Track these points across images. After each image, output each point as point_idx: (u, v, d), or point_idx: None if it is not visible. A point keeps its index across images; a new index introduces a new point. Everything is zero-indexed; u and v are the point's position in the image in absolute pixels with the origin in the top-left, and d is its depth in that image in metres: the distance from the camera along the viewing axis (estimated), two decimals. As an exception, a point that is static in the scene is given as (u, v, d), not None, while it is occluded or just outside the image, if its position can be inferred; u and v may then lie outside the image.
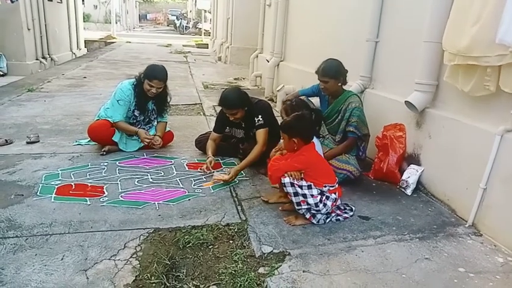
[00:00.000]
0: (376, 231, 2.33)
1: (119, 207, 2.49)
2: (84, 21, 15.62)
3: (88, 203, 2.51)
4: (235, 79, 8.52)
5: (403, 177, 2.88)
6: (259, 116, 3.10)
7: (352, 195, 2.77)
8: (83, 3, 16.17)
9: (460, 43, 2.19)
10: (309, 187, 2.26)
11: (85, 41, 13.30)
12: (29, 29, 8.26)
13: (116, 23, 24.85)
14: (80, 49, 12.38)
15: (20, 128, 4.10)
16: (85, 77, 7.74)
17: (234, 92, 3.15)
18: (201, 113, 5.34)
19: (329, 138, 3.13)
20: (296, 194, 2.25)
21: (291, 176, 2.26)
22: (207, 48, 17.48)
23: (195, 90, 7.03)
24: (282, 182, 2.26)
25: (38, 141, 3.67)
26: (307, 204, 2.25)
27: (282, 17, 6.31)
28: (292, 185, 2.24)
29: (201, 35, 23.42)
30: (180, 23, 31.71)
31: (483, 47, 2.06)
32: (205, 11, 25.06)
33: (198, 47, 17.93)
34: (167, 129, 3.78)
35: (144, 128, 3.64)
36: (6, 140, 3.58)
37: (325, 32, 4.71)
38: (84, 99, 5.64)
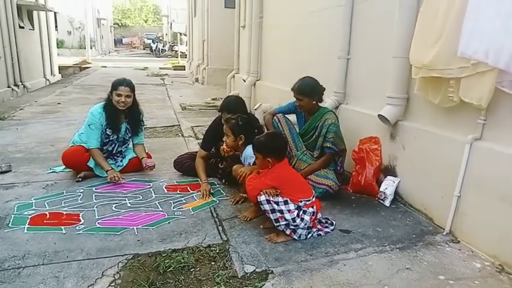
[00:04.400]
0: (357, 243, 2.34)
1: (96, 234, 2.41)
2: (58, 47, 15.47)
3: (64, 231, 2.43)
4: (213, 99, 8.55)
5: (381, 189, 2.93)
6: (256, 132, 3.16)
7: (332, 209, 2.80)
8: (56, 30, 16.07)
9: (424, 57, 2.29)
10: (286, 203, 2.27)
11: (59, 66, 13.13)
12: (0, 57, 8.10)
13: (91, 48, 24.71)
14: (54, 75, 12.20)
15: (-10, 157, 3.96)
16: (59, 103, 7.61)
17: (235, 99, 3.29)
18: (179, 134, 5.31)
19: (306, 154, 3.16)
20: (273, 210, 2.25)
21: (267, 193, 2.26)
22: (184, 70, 17.56)
23: (172, 112, 7.01)
24: (258, 200, 2.27)
25: (10, 171, 3.55)
26: (285, 219, 2.25)
27: (257, 37, 6.45)
28: (268, 202, 2.24)
29: (177, 57, 23.54)
30: (156, 46, 31.81)
31: (446, 60, 2.17)
32: (180, 33, 25.28)
33: (174, 69, 17.98)
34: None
35: (121, 150, 3.59)
36: (-25, 171, 3.45)
37: (299, 51, 4.83)
38: (58, 126, 5.53)
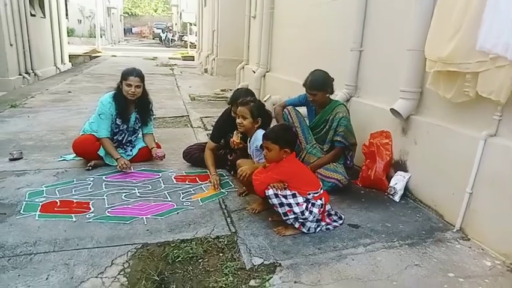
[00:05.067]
0: (366, 239, 2.33)
1: (106, 223, 2.43)
2: (68, 36, 15.52)
3: (74, 219, 2.45)
4: (222, 90, 8.53)
5: (391, 184, 2.90)
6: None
7: (341, 203, 2.78)
8: (67, 18, 16.09)
9: (441, 51, 2.24)
10: (294, 196, 2.26)
11: (69, 55, 13.19)
12: (11, 45, 8.15)
13: (101, 37, 24.76)
14: (64, 64, 12.26)
15: (2, 144, 4.00)
16: (69, 92, 7.65)
17: (246, 91, 3.23)
18: (188, 125, 5.31)
19: (316, 147, 3.14)
20: (281, 204, 2.24)
21: (275, 187, 2.25)
22: (193, 60, 17.52)
23: (181, 102, 7.01)
24: (266, 194, 2.26)
25: (22, 158, 3.59)
26: (294, 213, 2.24)
27: (267, 28, 6.39)
28: (276, 196, 2.23)
29: (186, 48, 23.48)
30: (166, 36, 31.76)
31: (464, 54, 2.12)
32: (190, 23, 25.18)
33: (183, 60, 17.96)
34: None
35: (131, 140, 3.60)
36: (-12, 157, 3.50)
37: (310, 43, 4.78)
38: (69, 114, 5.57)
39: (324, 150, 3.12)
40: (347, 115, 3.08)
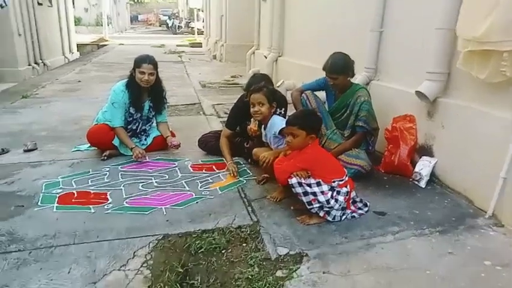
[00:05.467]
0: (394, 226, 2.24)
1: (124, 213, 2.39)
2: (75, 25, 15.41)
3: (92, 211, 2.41)
4: (232, 77, 8.40)
5: (416, 170, 2.80)
6: (282, 109, 3.04)
7: (365, 190, 2.68)
8: (73, 7, 15.97)
9: (476, 29, 2.10)
10: (318, 184, 2.17)
11: (77, 44, 13.12)
12: (20, 35, 8.10)
13: (108, 25, 24.60)
14: (72, 53, 12.21)
15: (15, 136, 3.97)
16: (79, 81, 7.60)
17: (262, 78, 3.12)
18: (201, 112, 5.23)
19: (337, 133, 3.04)
20: (306, 193, 2.16)
21: (298, 175, 2.16)
22: (201, 47, 17.33)
23: (192, 89, 6.92)
24: (290, 183, 2.17)
25: (36, 149, 3.55)
26: (319, 202, 2.16)
27: (279, 11, 6.21)
28: (300, 184, 2.15)
29: (194, 34, 23.23)
30: (172, 23, 31.46)
31: (501, 32, 1.98)
32: (197, 9, 24.85)
33: (191, 46, 17.77)
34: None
35: (145, 129, 3.54)
36: (2, 149, 3.46)
37: (326, 24, 4.62)
38: (80, 104, 5.52)
39: (345, 135, 3.02)
40: (369, 99, 2.96)
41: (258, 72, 3.73)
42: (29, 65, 8.52)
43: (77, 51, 12.99)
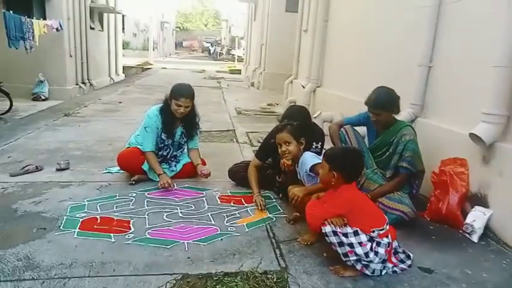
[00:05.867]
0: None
1: (145, 246, 2.25)
2: (123, 48, 16.25)
3: (113, 240, 2.30)
4: (268, 105, 8.34)
5: (467, 221, 2.48)
6: (318, 144, 2.86)
7: (407, 240, 2.39)
8: (123, 32, 16.89)
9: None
10: (356, 234, 1.93)
11: (123, 67, 13.75)
12: (71, 56, 8.56)
13: (154, 50, 25.79)
14: (118, 74, 12.78)
15: (52, 153, 4.04)
16: (120, 102, 7.83)
17: (300, 110, 3.02)
18: (234, 139, 5.14)
19: (377, 173, 2.79)
20: (341, 243, 1.93)
21: (333, 223, 1.94)
22: (240, 73, 17.62)
23: (227, 116, 6.89)
24: (323, 231, 1.95)
25: (68, 168, 3.56)
26: (356, 254, 1.91)
27: (320, 41, 6.13)
28: (335, 234, 1.92)
29: (233, 61, 23.79)
30: (214, 50, 32.51)
31: None
32: (238, 37, 25.57)
33: (231, 73, 18.14)
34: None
35: (176, 155, 3.46)
36: (36, 166, 3.50)
37: (369, 57, 4.45)
38: (117, 125, 5.62)
39: (387, 176, 2.76)
40: (415, 138, 2.71)
41: (295, 104, 3.58)
42: (77, 84, 8.94)
43: (123, 73, 13.61)
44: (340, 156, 2.07)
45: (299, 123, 2.71)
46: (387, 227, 2.02)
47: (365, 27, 4.64)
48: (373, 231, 1.96)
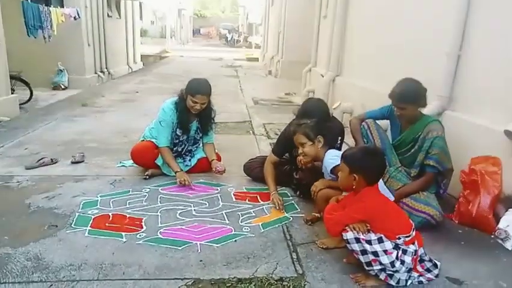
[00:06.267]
0: (473, 302, 1.80)
1: (156, 246, 2.18)
2: (141, 36, 16.26)
3: (124, 239, 2.23)
4: (286, 94, 8.16)
5: (500, 226, 2.30)
6: (339, 138, 2.76)
7: (433, 245, 2.23)
8: (141, 19, 16.86)
9: None
10: (380, 241, 1.79)
11: (141, 55, 13.74)
12: (89, 45, 8.58)
13: (171, 37, 25.75)
14: (136, 63, 12.78)
15: (67, 145, 4.02)
16: (137, 92, 7.80)
17: (318, 104, 2.87)
18: (250, 131, 5.01)
19: (401, 171, 2.62)
20: (364, 251, 1.79)
21: (355, 229, 1.80)
22: (257, 61, 17.38)
23: (244, 106, 6.76)
24: (345, 238, 1.82)
25: (83, 161, 3.53)
26: (381, 263, 1.78)
27: (340, 28, 5.87)
28: (358, 240, 1.78)
29: (251, 48, 23.52)
30: (231, 37, 32.25)
31: None
32: (256, 24, 25.21)
33: (248, 61, 17.92)
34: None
35: (191, 149, 3.37)
36: (52, 159, 3.48)
37: (392, 44, 4.20)
38: (133, 116, 5.57)
39: (412, 175, 2.59)
40: (443, 134, 2.52)
41: (312, 97, 3.42)
42: (95, 73, 8.97)
43: (141, 61, 13.61)
44: (360, 157, 1.92)
45: (315, 120, 2.55)
46: (414, 233, 1.87)
47: (388, 13, 4.37)
48: (399, 238, 1.81)
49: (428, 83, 2.67)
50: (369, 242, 1.77)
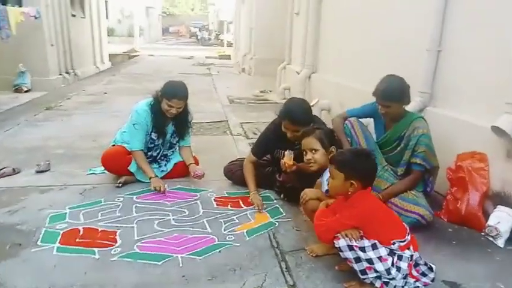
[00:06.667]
0: (472, 306, 1.73)
1: (133, 262, 2.00)
2: (108, 36, 15.61)
3: (97, 256, 2.03)
4: (261, 92, 8.03)
5: (490, 223, 2.26)
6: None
7: (425, 246, 2.16)
8: (107, 18, 16.23)
9: None
10: (374, 247, 1.69)
11: (109, 54, 13.22)
12: (52, 45, 8.10)
13: (140, 36, 25.05)
14: (104, 63, 12.27)
15: (31, 153, 3.72)
16: (105, 93, 7.43)
17: (301, 104, 2.68)
18: (227, 131, 4.85)
19: (388, 170, 2.56)
20: (358, 259, 1.69)
21: (347, 236, 1.70)
22: (230, 59, 17.17)
23: (219, 105, 6.58)
24: (337, 246, 1.71)
25: (49, 170, 3.26)
26: (376, 271, 1.68)
27: (313, 24, 5.81)
28: (351, 248, 1.68)
29: (223, 46, 23.25)
30: (202, 35, 31.77)
31: None
32: (227, 22, 24.96)
33: (220, 59, 17.65)
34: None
35: (166, 154, 3.18)
36: (13, 169, 3.19)
37: (369, 40, 4.16)
38: (102, 118, 5.28)
39: (398, 174, 2.53)
40: (428, 131, 2.47)
41: (294, 97, 3.30)
42: (60, 74, 8.50)
43: (109, 61, 13.09)
44: (354, 161, 1.81)
45: (329, 128, 2.43)
46: (409, 237, 1.79)
47: (365, 7, 4.33)
48: (393, 243, 1.72)
49: (408, 79, 2.60)
50: (362, 249, 1.67)
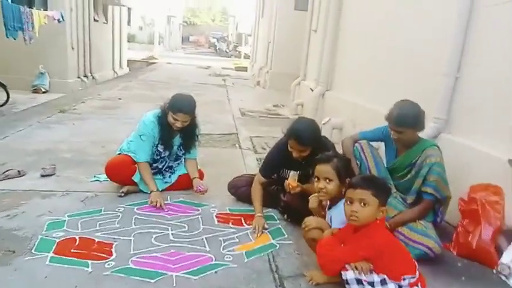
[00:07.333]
0: None
1: (126, 278, 1.93)
2: (129, 42, 15.97)
3: (90, 269, 1.98)
4: (274, 106, 8.00)
5: (503, 260, 2.13)
6: None
7: (433, 280, 2.04)
8: (129, 25, 16.59)
9: None
10: (383, 282, 1.60)
11: (128, 60, 13.46)
12: (73, 48, 8.28)
13: (159, 44, 25.49)
14: (122, 68, 12.50)
15: (40, 155, 3.73)
16: (120, 99, 7.52)
17: (309, 124, 2.58)
18: (236, 145, 4.80)
19: (397, 197, 2.45)
20: (366, 294, 1.60)
21: (357, 268, 1.61)
22: (246, 71, 17.26)
23: (231, 117, 6.56)
24: (344, 278, 1.62)
25: (54, 174, 3.26)
26: (383, 307, 1.59)
27: (330, 42, 5.77)
28: (359, 282, 1.59)
29: (240, 58, 23.45)
30: (220, 46, 32.16)
31: None
32: (245, 34, 25.22)
33: (236, 70, 17.77)
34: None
35: (172, 166, 3.13)
36: (19, 171, 3.20)
37: (385, 61, 4.09)
38: (114, 124, 5.31)
39: (408, 202, 2.42)
40: (441, 161, 2.37)
41: (303, 117, 3.21)
42: (78, 77, 8.65)
43: (127, 66, 13.31)
44: (387, 189, 1.73)
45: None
46: (418, 273, 1.68)
47: (383, 28, 4.27)
48: (404, 279, 1.62)
49: (423, 103, 2.52)
50: (371, 284, 1.58)
